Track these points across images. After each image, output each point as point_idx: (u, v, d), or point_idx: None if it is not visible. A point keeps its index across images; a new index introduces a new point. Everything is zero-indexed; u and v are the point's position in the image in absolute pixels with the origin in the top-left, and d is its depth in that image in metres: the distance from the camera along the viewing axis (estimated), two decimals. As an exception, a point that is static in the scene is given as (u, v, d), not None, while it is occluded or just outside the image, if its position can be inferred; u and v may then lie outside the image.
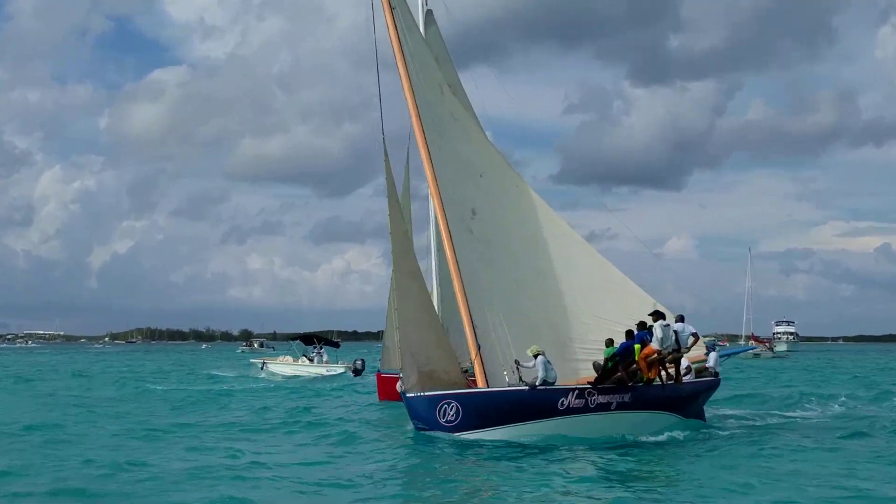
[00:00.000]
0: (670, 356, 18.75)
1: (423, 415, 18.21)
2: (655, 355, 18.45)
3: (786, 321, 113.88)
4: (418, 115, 20.47)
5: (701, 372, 20.55)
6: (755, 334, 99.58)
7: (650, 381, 18.69)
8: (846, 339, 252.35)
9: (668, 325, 18.61)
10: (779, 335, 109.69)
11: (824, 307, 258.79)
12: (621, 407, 18.61)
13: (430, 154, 20.38)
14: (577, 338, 20.84)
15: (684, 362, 19.77)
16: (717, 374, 20.72)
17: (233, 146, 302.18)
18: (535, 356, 18.32)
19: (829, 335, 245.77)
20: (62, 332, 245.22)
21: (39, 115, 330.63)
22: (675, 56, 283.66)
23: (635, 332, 18.77)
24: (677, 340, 18.73)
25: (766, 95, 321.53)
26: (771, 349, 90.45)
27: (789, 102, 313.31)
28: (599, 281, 21.87)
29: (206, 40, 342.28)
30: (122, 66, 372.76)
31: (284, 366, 50.00)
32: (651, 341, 18.40)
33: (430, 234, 28.39)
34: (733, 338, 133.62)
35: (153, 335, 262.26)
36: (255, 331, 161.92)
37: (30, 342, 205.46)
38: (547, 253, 21.80)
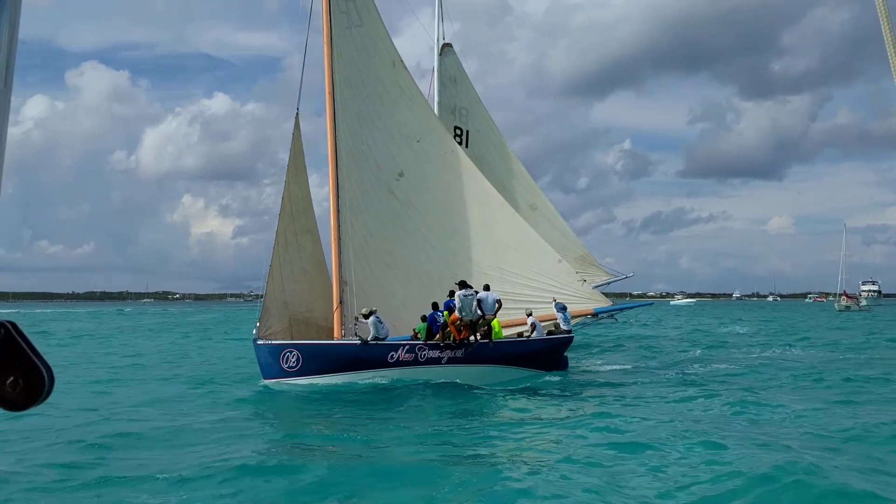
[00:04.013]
0: (482, 320, 20.28)
1: (268, 361, 20.06)
2: (459, 321, 20.12)
3: (871, 281, 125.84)
4: (331, 70, 23.34)
5: (553, 331, 22.44)
6: (846, 291, 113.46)
7: (460, 341, 20.22)
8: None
9: (468, 295, 20.07)
10: (864, 292, 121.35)
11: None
12: (454, 361, 20.23)
13: (333, 106, 23.24)
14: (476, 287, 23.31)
15: (529, 320, 21.77)
16: (569, 331, 22.35)
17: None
18: (367, 316, 20.14)
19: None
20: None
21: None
22: (776, 76, 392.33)
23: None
24: (481, 307, 20.22)
25: (852, 104, 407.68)
26: (858, 304, 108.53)
27: (871, 109, 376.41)
28: (512, 239, 24.25)
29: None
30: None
31: None
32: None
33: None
34: (827, 294, 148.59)
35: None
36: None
37: None
38: (468, 213, 24.32)
